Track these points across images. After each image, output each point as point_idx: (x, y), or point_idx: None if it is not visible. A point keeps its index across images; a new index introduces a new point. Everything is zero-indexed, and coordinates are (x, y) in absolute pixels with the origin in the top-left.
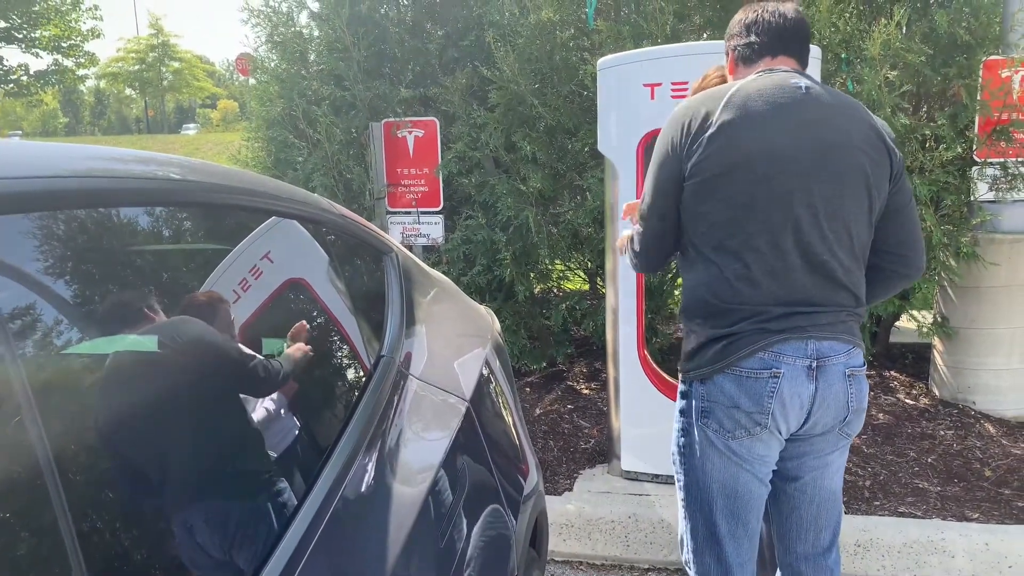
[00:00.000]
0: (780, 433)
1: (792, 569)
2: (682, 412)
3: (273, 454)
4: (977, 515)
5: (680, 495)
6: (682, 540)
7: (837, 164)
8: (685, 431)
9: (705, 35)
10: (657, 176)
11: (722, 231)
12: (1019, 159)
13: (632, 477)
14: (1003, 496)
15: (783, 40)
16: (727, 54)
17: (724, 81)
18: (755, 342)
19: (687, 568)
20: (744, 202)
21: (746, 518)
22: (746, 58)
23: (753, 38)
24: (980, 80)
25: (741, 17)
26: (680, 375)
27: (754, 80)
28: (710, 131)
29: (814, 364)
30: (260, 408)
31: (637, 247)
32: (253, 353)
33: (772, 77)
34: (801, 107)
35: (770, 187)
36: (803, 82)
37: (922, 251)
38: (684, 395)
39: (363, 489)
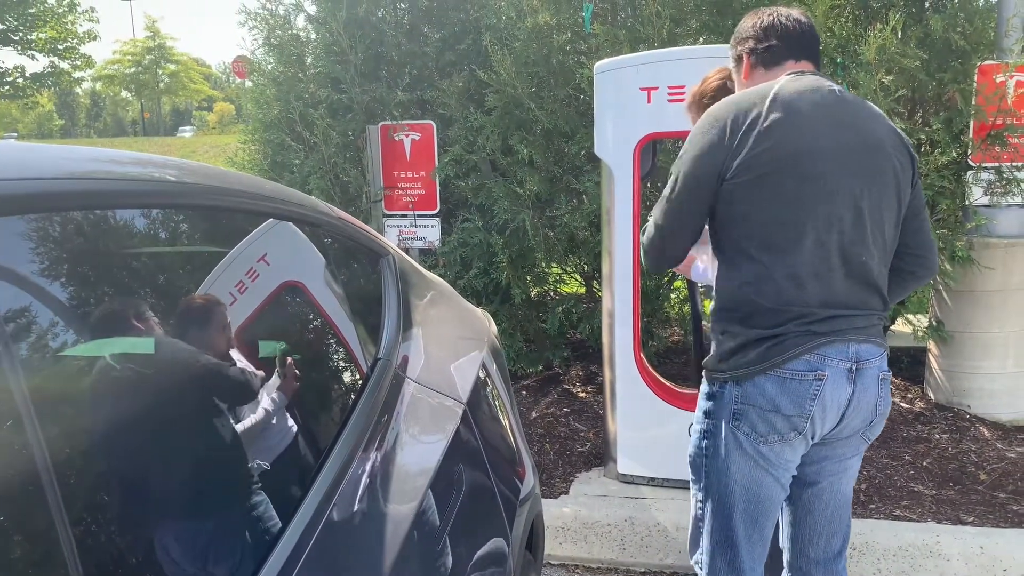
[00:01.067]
0: (812, 438)
1: (804, 573)
2: (707, 413)
3: (270, 457)
4: (972, 519)
5: (698, 496)
6: (694, 540)
7: (873, 166)
8: (710, 433)
9: (701, 39)
10: (692, 171)
11: (768, 230)
12: (1014, 163)
13: (628, 480)
14: (998, 499)
15: (801, 44)
16: (740, 58)
17: (725, 84)
18: (802, 344)
19: (697, 568)
20: (792, 201)
21: (763, 523)
22: (767, 61)
23: (774, 41)
24: (975, 85)
25: (754, 21)
26: (707, 375)
27: (792, 81)
28: (759, 128)
29: (854, 367)
30: (258, 411)
31: (653, 234)
32: (230, 362)
33: (807, 79)
34: (837, 110)
35: (817, 187)
36: (834, 86)
37: (936, 253)
38: (711, 396)
39: (360, 492)
